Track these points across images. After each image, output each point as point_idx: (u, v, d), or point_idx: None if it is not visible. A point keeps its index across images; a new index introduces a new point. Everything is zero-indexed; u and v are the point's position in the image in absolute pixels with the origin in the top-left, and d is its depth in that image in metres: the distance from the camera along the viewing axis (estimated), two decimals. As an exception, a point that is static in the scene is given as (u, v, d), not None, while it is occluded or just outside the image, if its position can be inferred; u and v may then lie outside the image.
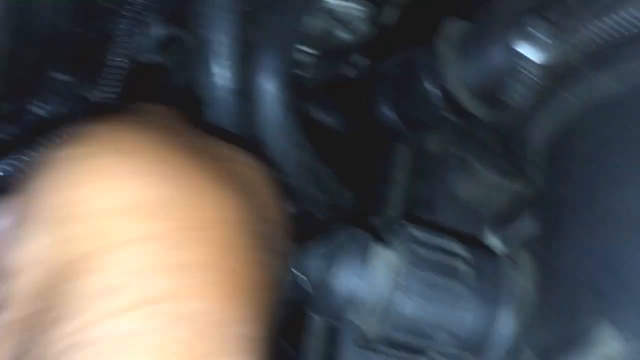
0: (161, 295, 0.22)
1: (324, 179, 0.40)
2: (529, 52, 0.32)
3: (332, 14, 0.42)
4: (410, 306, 0.28)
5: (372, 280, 0.29)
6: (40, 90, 0.34)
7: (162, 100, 0.34)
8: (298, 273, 0.31)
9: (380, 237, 0.31)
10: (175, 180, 0.25)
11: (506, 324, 0.29)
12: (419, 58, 0.42)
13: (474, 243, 0.32)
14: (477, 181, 0.45)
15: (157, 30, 0.41)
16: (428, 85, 0.40)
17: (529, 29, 0.32)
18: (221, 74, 0.36)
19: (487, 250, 0.33)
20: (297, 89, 0.41)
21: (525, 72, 0.32)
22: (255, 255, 0.26)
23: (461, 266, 0.29)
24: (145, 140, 0.26)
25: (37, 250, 0.23)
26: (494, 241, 0.33)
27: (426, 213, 0.41)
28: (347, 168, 0.48)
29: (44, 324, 0.22)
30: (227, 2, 0.37)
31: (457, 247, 0.30)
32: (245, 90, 0.35)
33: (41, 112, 0.34)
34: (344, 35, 0.44)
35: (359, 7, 0.43)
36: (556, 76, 0.31)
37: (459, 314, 0.29)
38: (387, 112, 0.43)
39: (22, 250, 0.24)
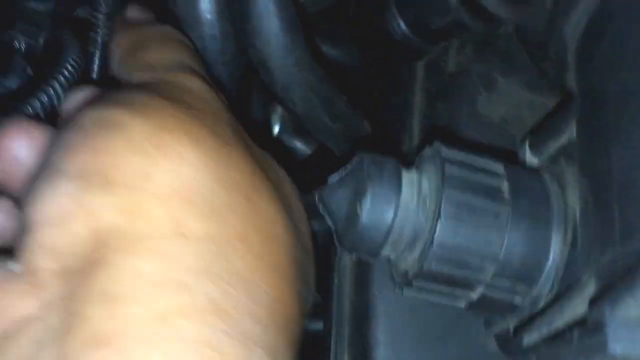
0: (212, 307, 0.20)
1: (337, 106, 0.37)
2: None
3: None
4: (449, 233, 0.25)
5: (406, 209, 0.26)
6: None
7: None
8: (323, 210, 0.28)
9: (408, 163, 0.28)
10: (233, 178, 0.23)
11: (558, 248, 0.26)
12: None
13: (510, 160, 0.29)
14: (503, 98, 0.41)
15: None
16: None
17: None
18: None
19: (527, 167, 0.30)
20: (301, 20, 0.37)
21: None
22: (297, 276, 0.25)
23: (503, 185, 0.26)
24: (198, 124, 0.24)
25: (58, 211, 0.21)
26: (530, 158, 0.30)
27: (450, 138, 0.37)
28: (361, 97, 0.45)
29: (72, 312, 0.19)
30: None
31: (495, 165, 0.27)
32: (237, 10, 0.32)
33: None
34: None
35: None
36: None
37: (506, 239, 0.26)
38: (399, 26, 0.39)
39: (42, 205, 0.21)
